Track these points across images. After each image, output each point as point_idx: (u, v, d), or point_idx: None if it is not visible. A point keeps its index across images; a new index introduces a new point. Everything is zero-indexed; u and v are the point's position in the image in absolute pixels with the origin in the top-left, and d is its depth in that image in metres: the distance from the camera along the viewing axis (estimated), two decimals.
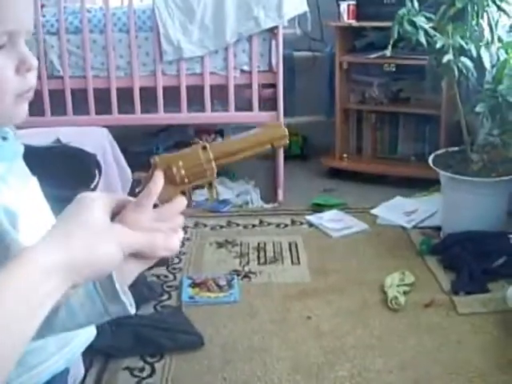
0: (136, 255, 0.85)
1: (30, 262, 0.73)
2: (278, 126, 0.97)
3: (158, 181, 0.89)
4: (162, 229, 0.87)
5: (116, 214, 0.86)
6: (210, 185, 0.96)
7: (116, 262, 0.80)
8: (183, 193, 0.93)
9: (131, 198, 0.89)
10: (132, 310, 0.91)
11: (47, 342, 1.08)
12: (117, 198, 0.88)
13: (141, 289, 2.76)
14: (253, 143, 0.96)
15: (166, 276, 3.00)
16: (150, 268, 0.93)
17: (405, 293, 2.78)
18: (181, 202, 0.90)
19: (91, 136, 2.86)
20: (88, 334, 1.19)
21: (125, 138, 3.58)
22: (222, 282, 2.91)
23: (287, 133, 0.96)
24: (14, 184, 1.02)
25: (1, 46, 0.93)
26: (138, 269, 0.89)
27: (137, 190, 0.90)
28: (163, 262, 3.00)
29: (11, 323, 0.71)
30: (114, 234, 0.81)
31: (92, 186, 2.20)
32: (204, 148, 0.93)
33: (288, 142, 0.96)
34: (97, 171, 2.31)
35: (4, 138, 1.08)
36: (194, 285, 2.90)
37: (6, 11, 0.93)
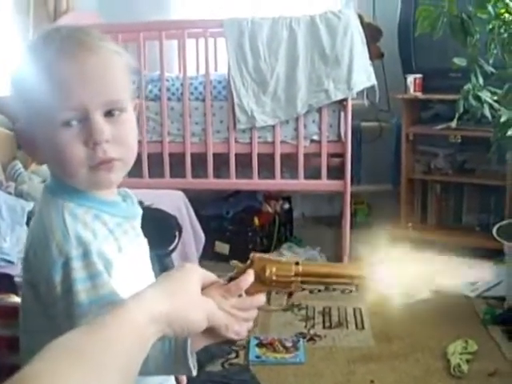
0: (209, 330, 0.97)
1: (134, 308, 0.84)
2: (359, 267, 1.10)
3: (250, 278, 1.04)
4: (238, 315, 1.00)
5: (203, 289, 0.99)
6: (290, 294, 1.11)
7: (200, 328, 0.93)
8: (266, 293, 1.07)
9: (220, 280, 1.03)
10: (194, 372, 1.01)
11: None
12: (209, 275, 1.02)
13: (210, 346, 2.85)
14: (336, 273, 1.10)
15: None
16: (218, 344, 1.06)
17: (468, 361, 2.80)
18: (261, 299, 1.05)
19: (168, 198, 3.01)
20: None
21: (196, 201, 3.72)
22: (288, 344, 2.99)
23: (365, 275, 1.09)
24: (121, 239, 1.14)
25: (68, 123, 1.06)
26: (206, 342, 1.01)
27: (229, 276, 1.05)
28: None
29: (125, 359, 0.79)
30: (206, 306, 0.94)
31: (171, 248, 2.33)
32: (297, 264, 1.08)
33: (363, 283, 1.09)
34: (177, 233, 2.45)
35: (124, 199, 1.23)
36: (260, 345, 2.99)
37: (72, 90, 1.05)
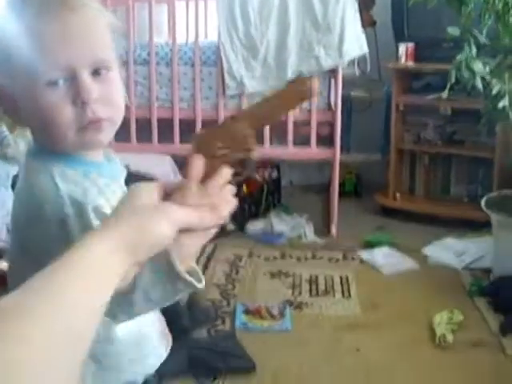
0: (188, 232, 0.87)
1: (92, 245, 0.80)
2: (303, 80, 0.94)
3: (196, 158, 0.90)
4: (213, 202, 0.89)
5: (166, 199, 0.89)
6: (248, 150, 0.99)
7: (169, 236, 0.84)
8: (228, 164, 0.93)
9: (178, 182, 0.92)
10: (199, 285, 0.95)
11: (122, 355, 1.19)
12: (165, 183, 0.91)
13: (195, 313, 2.86)
14: (282, 103, 0.95)
15: (220, 301, 3.10)
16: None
17: (453, 331, 2.83)
18: (224, 173, 0.92)
19: (156, 163, 2.99)
20: (158, 357, 1.29)
21: (184, 167, 3.69)
22: (275, 311, 2.99)
23: (312, 86, 0.93)
24: (111, 199, 1.11)
25: (55, 82, 1.02)
26: (195, 244, 0.92)
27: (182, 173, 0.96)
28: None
29: (82, 299, 0.76)
30: (162, 212, 0.85)
31: None
32: (232, 118, 0.94)
33: (315, 95, 0.93)
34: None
35: (108, 160, 1.21)
36: (247, 312, 2.99)
37: (57, 50, 1.02)
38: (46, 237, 1.04)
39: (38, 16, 1.02)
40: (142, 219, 0.84)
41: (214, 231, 0.92)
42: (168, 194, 0.89)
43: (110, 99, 1.08)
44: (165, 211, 0.86)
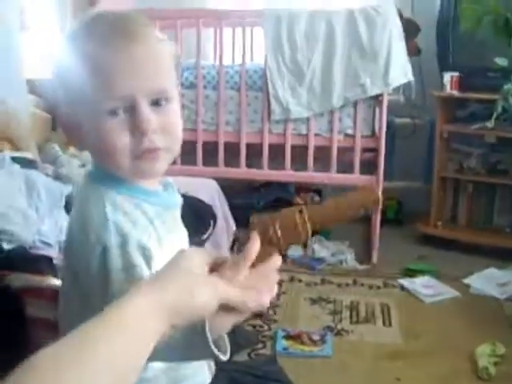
0: (228, 309, 0.91)
1: (136, 303, 0.82)
2: (370, 190, 1.02)
3: (255, 243, 0.94)
4: (258, 286, 0.93)
5: (213, 271, 0.94)
6: (305, 245, 1.05)
7: (211, 308, 0.88)
8: (279, 252, 0.98)
9: (229, 257, 0.97)
10: (224, 357, 0.96)
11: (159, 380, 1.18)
12: (215, 255, 0.97)
13: (237, 337, 2.87)
14: (346, 208, 1.00)
15: (261, 326, 3.11)
16: (245, 320, 0.98)
17: (495, 364, 2.79)
18: (276, 261, 0.96)
19: (202, 187, 3.02)
20: (201, 382, 1.28)
21: (227, 190, 3.73)
22: (316, 337, 2.99)
23: (380, 196, 1.01)
24: (160, 229, 1.13)
25: (115, 112, 1.05)
26: (230, 322, 0.95)
27: (235, 248, 1.00)
28: (258, 316, 3.10)
29: (117, 358, 0.78)
30: (211, 283, 0.89)
31: (205, 236, 2.34)
32: (300, 212, 0.99)
33: (380, 205, 1.03)
34: (212, 222, 2.46)
35: (165, 189, 1.23)
36: (288, 337, 2.99)
37: (118, 80, 1.05)
38: (89, 263, 1.05)
39: (102, 46, 1.05)
40: (190, 286, 0.87)
41: (249, 314, 0.95)
42: (218, 265, 0.94)
43: (168, 129, 1.10)
44: (214, 284, 0.89)
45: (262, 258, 0.95)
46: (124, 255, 1.04)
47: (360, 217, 4.33)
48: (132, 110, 1.06)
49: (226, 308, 0.90)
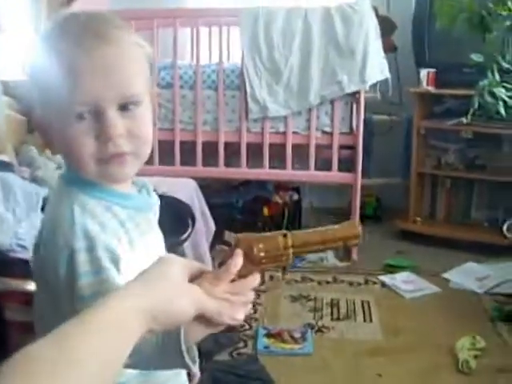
0: (203, 320, 0.92)
1: (115, 305, 0.83)
2: (353, 225, 1.05)
3: (238, 260, 0.97)
4: (233, 300, 0.95)
5: (193, 280, 0.95)
6: (284, 268, 1.07)
7: (188, 316, 0.89)
8: (260, 271, 1.00)
9: (209, 269, 0.99)
10: (194, 368, 0.97)
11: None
12: (196, 265, 0.98)
13: (218, 336, 2.87)
14: (328, 238, 1.04)
15: (242, 325, 3.11)
16: (217, 334, 1.00)
17: (476, 357, 2.81)
18: (255, 280, 0.99)
19: (181, 187, 3.01)
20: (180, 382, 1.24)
21: (206, 189, 3.73)
22: (297, 335, 3.00)
23: (360, 233, 1.04)
24: (132, 232, 1.12)
25: (81, 116, 1.03)
26: (202, 333, 0.96)
27: (217, 263, 1.02)
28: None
29: (98, 356, 0.78)
30: (190, 292, 0.91)
31: (184, 237, 2.33)
32: (284, 236, 1.02)
33: (359, 242, 1.04)
34: (190, 221, 2.45)
35: (140, 191, 1.22)
36: (269, 335, 3.00)
37: (86, 84, 1.02)
38: (56, 265, 1.04)
39: (73, 48, 1.03)
40: (170, 292, 0.88)
41: (222, 327, 0.96)
42: (198, 275, 0.96)
43: (136, 134, 1.07)
44: (193, 293, 0.91)
45: (242, 275, 0.98)
46: (92, 258, 1.03)
47: (341, 213, 4.36)
48: (98, 114, 1.04)
49: (200, 318, 0.92)
